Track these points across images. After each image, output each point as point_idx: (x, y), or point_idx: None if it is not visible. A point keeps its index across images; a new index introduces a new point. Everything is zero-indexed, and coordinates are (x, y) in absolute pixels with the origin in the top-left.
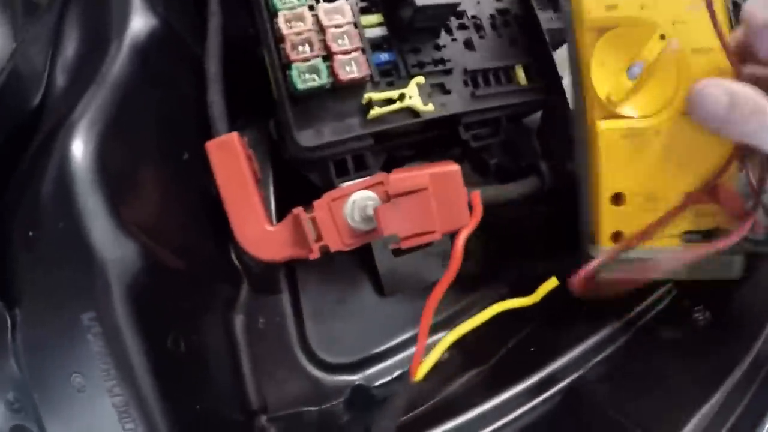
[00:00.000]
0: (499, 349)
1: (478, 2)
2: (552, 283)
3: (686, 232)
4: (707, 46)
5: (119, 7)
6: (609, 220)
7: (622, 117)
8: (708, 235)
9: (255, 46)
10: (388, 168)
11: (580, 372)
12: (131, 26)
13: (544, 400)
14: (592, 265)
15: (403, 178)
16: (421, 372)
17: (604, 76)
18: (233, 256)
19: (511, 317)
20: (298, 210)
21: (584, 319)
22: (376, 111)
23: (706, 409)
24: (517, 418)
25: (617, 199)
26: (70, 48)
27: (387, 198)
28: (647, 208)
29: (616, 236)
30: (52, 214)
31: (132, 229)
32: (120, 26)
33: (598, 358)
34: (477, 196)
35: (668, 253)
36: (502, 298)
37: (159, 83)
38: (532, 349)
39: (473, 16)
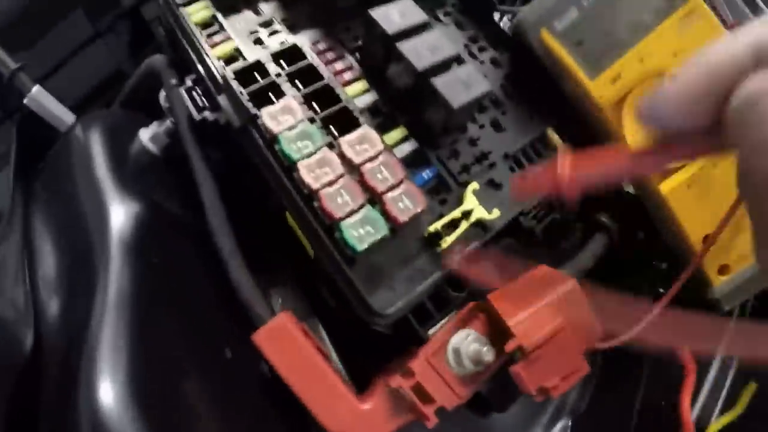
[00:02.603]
0: None
1: (485, 75)
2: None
3: None
4: None
5: (92, 201)
6: (710, 261)
7: (677, 169)
8: None
9: (264, 199)
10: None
11: None
12: (111, 221)
13: None
14: None
15: (532, 330)
16: None
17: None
18: None
19: None
20: (395, 380)
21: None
22: (447, 241)
23: None
24: None
25: (707, 240)
26: (48, 266)
27: (491, 330)
28: (737, 231)
29: (722, 269)
30: None
31: None
32: (99, 224)
33: None
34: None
35: None
36: None
37: (167, 275)
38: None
39: (488, 91)
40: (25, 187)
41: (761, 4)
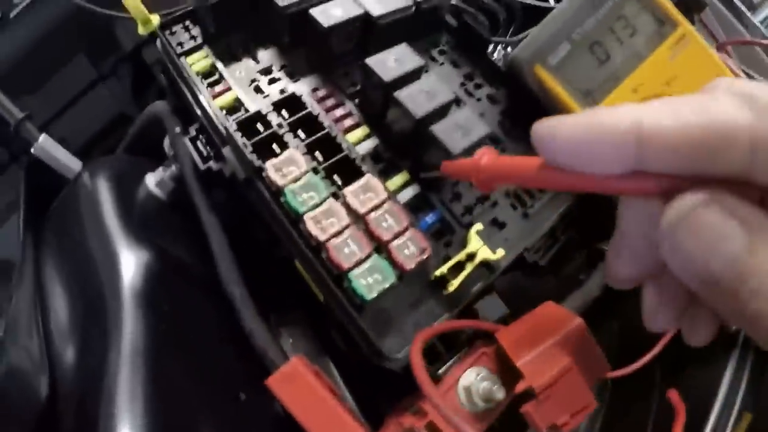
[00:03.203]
0: None
1: (482, 114)
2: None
3: None
4: None
5: (102, 249)
6: None
7: None
8: None
9: (272, 245)
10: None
11: None
12: (122, 270)
13: None
14: None
15: (541, 370)
16: None
17: None
18: None
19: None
20: (407, 419)
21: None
22: (454, 285)
23: None
24: None
25: None
26: (61, 314)
27: (500, 367)
28: None
29: None
30: None
31: None
32: (109, 273)
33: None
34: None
35: None
36: None
37: (178, 322)
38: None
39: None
40: (34, 234)
41: (752, 19)
